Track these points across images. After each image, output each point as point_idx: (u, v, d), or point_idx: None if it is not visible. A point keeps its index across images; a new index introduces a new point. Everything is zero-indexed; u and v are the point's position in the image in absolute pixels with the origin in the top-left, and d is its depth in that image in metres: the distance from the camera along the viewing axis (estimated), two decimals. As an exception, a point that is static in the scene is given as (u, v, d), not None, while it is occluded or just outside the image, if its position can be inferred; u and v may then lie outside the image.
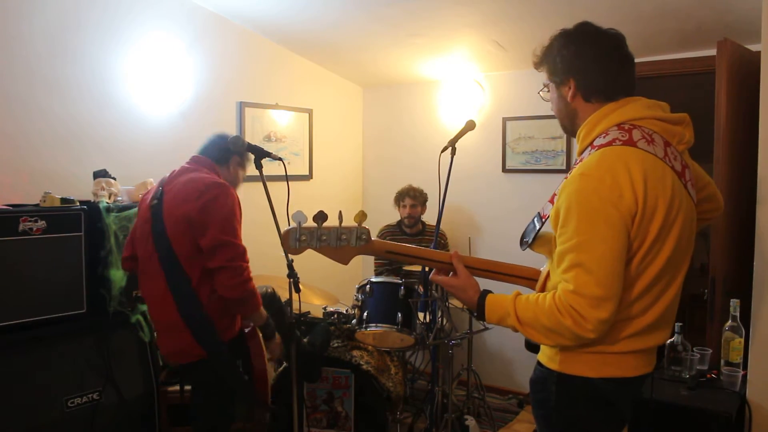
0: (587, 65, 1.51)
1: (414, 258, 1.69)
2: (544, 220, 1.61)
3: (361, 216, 1.54)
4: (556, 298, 1.40)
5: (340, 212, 1.55)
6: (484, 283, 1.61)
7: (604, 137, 1.46)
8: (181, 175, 2.35)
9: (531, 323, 1.44)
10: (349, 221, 1.56)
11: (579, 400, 1.52)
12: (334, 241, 1.55)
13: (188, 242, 2.21)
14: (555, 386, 1.53)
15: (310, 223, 1.56)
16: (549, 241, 1.61)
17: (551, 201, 1.57)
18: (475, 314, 1.56)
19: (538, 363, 1.62)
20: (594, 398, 1.51)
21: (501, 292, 1.55)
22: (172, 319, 2.24)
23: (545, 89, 1.63)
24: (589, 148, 1.48)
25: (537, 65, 1.63)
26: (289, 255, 2.28)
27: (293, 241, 1.54)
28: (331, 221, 1.57)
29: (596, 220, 1.36)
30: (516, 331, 1.49)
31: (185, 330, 2.23)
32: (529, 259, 1.69)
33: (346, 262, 1.60)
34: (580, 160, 1.48)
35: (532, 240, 1.62)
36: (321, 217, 1.53)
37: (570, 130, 1.61)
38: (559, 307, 1.38)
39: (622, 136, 1.43)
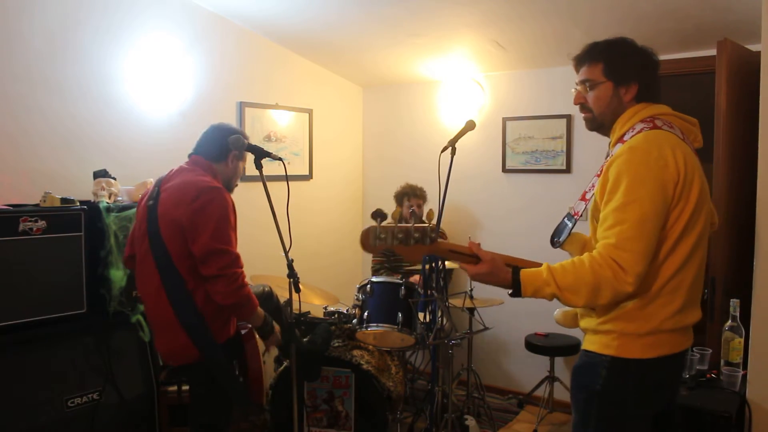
0: (652, 75, 1.73)
1: (458, 254, 1.71)
2: (576, 218, 1.75)
3: (431, 214, 1.63)
4: (596, 253, 1.53)
5: (413, 210, 1.64)
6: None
7: (632, 131, 1.65)
8: (178, 175, 2.33)
9: (571, 286, 1.53)
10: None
11: (629, 382, 1.62)
12: (409, 239, 1.62)
13: (181, 245, 2.19)
14: (606, 370, 1.63)
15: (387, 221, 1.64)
16: (578, 239, 1.79)
17: (582, 198, 1.73)
18: (510, 292, 1.63)
19: (585, 352, 1.71)
20: (645, 378, 1.62)
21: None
22: (167, 319, 2.23)
23: (586, 84, 1.74)
24: (619, 143, 1.65)
25: (582, 60, 1.75)
26: (288, 258, 2.30)
27: (373, 239, 1.61)
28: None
29: (643, 184, 1.54)
30: (552, 299, 1.58)
31: (180, 331, 2.22)
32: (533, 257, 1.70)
33: (416, 259, 1.76)
34: (612, 153, 1.66)
35: (565, 239, 1.76)
36: (381, 215, 1.66)
37: (602, 125, 1.76)
38: (599, 261, 1.51)
39: (647, 125, 1.64)
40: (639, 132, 1.62)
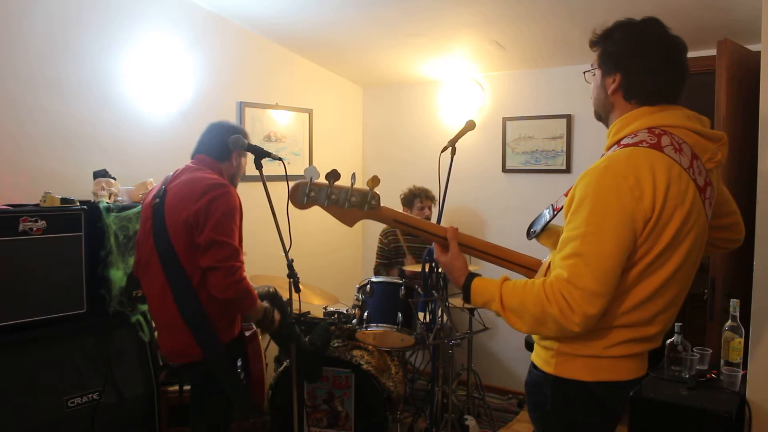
0: (639, 67, 1.49)
1: (417, 230, 1.65)
2: (555, 212, 1.60)
3: (374, 181, 1.51)
4: (546, 284, 1.37)
5: (354, 174, 1.53)
6: (485, 267, 1.57)
7: (632, 137, 1.44)
8: (184, 174, 2.35)
9: (515, 309, 1.42)
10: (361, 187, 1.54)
11: (575, 403, 1.52)
12: (343, 201, 1.51)
13: (188, 243, 2.20)
14: (551, 389, 1.53)
15: (322, 180, 1.52)
16: (556, 233, 1.60)
17: (567, 195, 1.55)
18: (463, 296, 1.57)
19: (533, 366, 1.61)
20: (590, 401, 1.51)
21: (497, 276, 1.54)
22: (171, 318, 2.24)
23: (592, 70, 1.60)
24: (616, 146, 1.47)
25: (592, 44, 1.59)
26: (288, 257, 2.30)
27: (301, 195, 1.51)
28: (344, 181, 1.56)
29: (609, 215, 1.34)
30: (499, 315, 1.48)
31: (185, 329, 2.22)
32: (531, 252, 1.69)
33: (351, 224, 1.59)
34: (604, 155, 1.48)
35: (540, 230, 1.61)
36: (333, 175, 1.50)
37: (601, 118, 1.61)
38: (548, 294, 1.35)
39: (651, 139, 1.41)
40: (636, 143, 1.41)
